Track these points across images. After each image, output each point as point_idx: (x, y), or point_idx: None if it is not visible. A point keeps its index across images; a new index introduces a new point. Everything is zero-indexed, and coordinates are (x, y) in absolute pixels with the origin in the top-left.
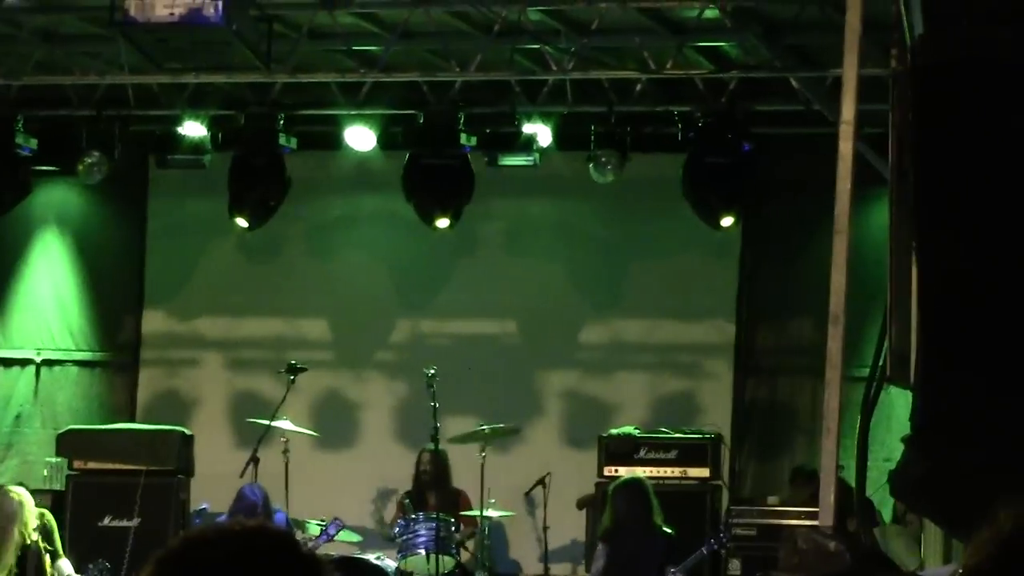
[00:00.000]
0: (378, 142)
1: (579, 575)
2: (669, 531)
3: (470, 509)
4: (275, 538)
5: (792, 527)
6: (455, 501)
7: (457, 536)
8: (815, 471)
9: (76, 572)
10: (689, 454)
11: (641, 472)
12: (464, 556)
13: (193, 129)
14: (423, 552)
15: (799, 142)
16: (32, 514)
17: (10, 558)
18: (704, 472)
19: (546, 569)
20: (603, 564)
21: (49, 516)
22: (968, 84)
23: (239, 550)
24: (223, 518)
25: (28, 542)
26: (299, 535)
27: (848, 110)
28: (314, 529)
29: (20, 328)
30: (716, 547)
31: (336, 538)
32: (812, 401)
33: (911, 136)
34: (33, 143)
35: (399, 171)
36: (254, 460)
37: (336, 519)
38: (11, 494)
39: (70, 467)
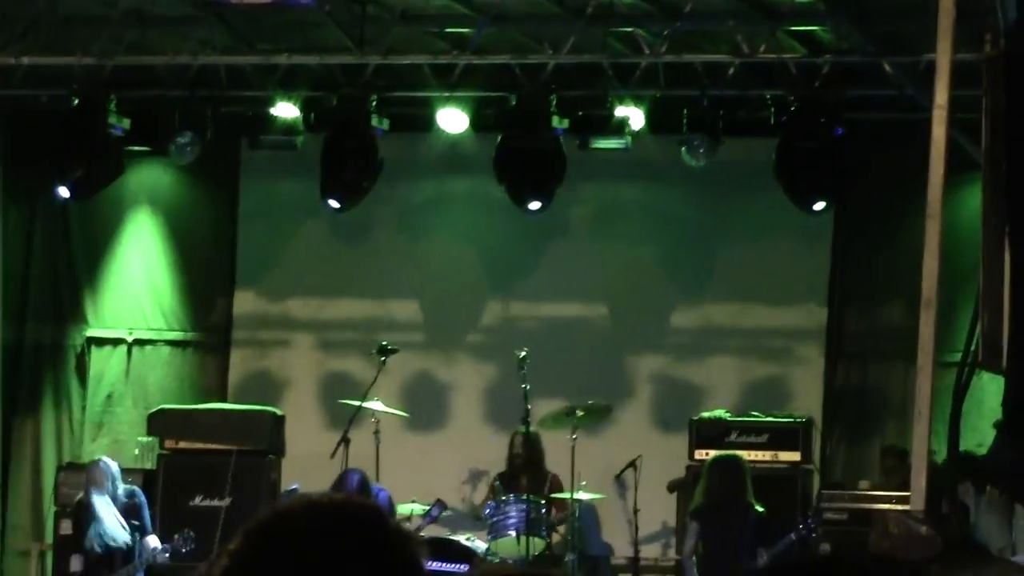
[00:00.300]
0: (470, 124)
1: (669, 558)
2: (761, 510)
3: (561, 492)
4: (363, 511)
5: (883, 512)
6: (547, 484)
7: (548, 518)
8: (905, 451)
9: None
10: (780, 438)
11: None
12: (555, 539)
13: (285, 110)
14: (513, 534)
15: (892, 127)
16: (120, 487)
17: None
18: (795, 456)
19: (636, 552)
20: (694, 542)
21: (139, 493)
22: None
23: (328, 523)
24: None
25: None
26: (402, 517)
27: (941, 95)
28: (417, 511)
29: (112, 308)
30: (805, 533)
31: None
32: (903, 386)
33: (1004, 122)
34: (126, 123)
35: (490, 153)
36: (345, 441)
37: (439, 501)
38: (100, 463)
39: (161, 446)
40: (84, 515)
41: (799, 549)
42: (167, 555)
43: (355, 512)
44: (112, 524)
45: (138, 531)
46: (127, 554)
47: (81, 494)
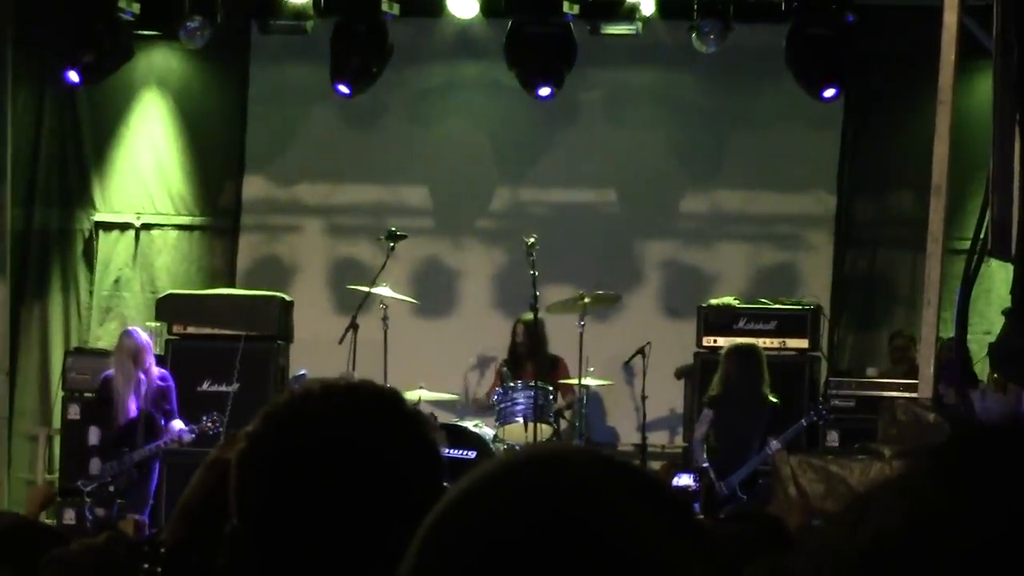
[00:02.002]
0: (480, 9)
1: (676, 444)
2: (775, 401)
3: (568, 377)
4: (381, 392)
5: (891, 399)
6: (553, 368)
7: (555, 404)
8: (913, 337)
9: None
10: (788, 325)
11: (739, 342)
12: (562, 424)
13: None
14: (521, 420)
15: (903, 13)
16: (152, 359)
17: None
18: (803, 343)
19: (644, 438)
20: (706, 429)
21: (170, 378)
22: None
23: (345, 403)
24: None
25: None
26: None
27: None
28: (425, 397)
29: (120, 193)
30: (816, 419)
31: (434, 403)
32: (912, 273)
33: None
34: (135, 7)
35: (501, 38)
36: (353, 327)
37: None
38: (136, 333)
39: (169, 331)
40: (108, 388)
41: (807, 435)
42: (194, 436)
43: (372, 393)
44: (135, 399)
45: (165, 415)
46: (149, 431)
47: (111, 371)
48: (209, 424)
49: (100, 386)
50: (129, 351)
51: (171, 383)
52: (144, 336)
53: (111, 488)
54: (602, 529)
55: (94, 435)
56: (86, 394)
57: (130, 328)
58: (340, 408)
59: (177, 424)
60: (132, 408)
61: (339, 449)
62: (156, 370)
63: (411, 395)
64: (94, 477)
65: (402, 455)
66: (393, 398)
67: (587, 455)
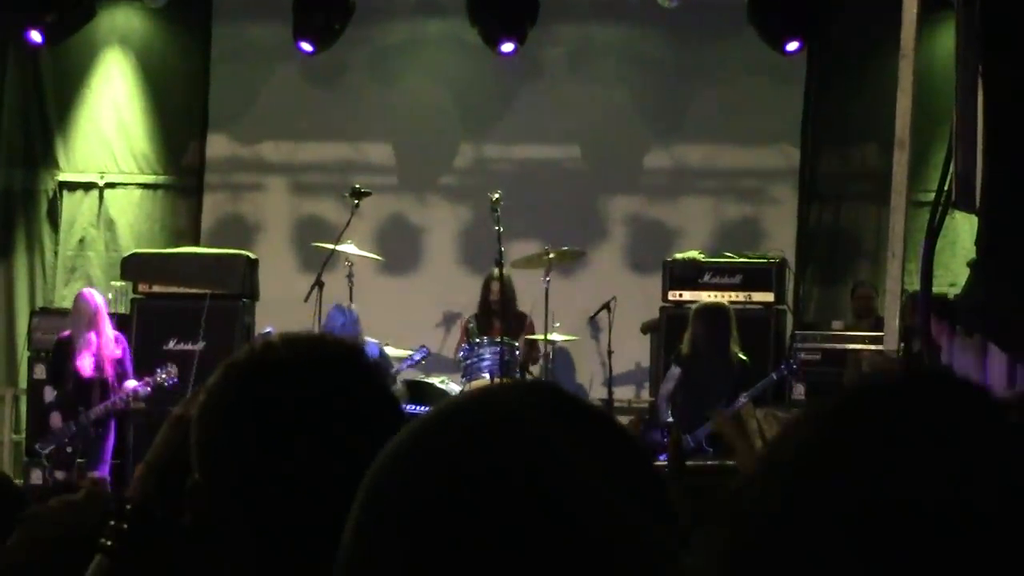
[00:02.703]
0: None
1: (643, 399)
2: (744, 359)
3: (534, 333)
4: (342, 346)
5: (857, 351)
6: (520, 325)
7: (521, 360)
8: (876, 288)
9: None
10: (753, 279)
11: (706, 297)
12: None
13: None
14: (487, 376)
15: None
16: (107, 321)
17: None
18: (768, 297)
19: (610, 393)
20: (673, 386)
21: (122, 339)
22: None
23: (307, 356)
24: None
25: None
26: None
27: None
28: (394, 355)
29: (83, 152)
30: (786, 372)
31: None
32: (877, 226)
33: None
34: None
35: None
36: (319, 284)
37: (423, 347)
38: (88, 295)
39: (134, 291)
40: (63, 349)
41: (774, 389)
42: (148, 389)
43: (334, 346)
44: (89, 359)
45: (119, 376)
46: (103, 391)
47: (67, 331)
48: (163, 376)
49: (55, 346)
50: (82, 313)
51: (125, 344)
52: (98, 298)
53: (69, 449)
54: (541, 480)
55: (49, 394)
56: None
57: (83, 290)
58: (301, 358)
59: (131, 383)
60: (87, 368)
61: (301, 399)
62: (111, 332)
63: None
64: (52, 438)
65: (364, 405)
66: (353, 349)
67: (534, 397)
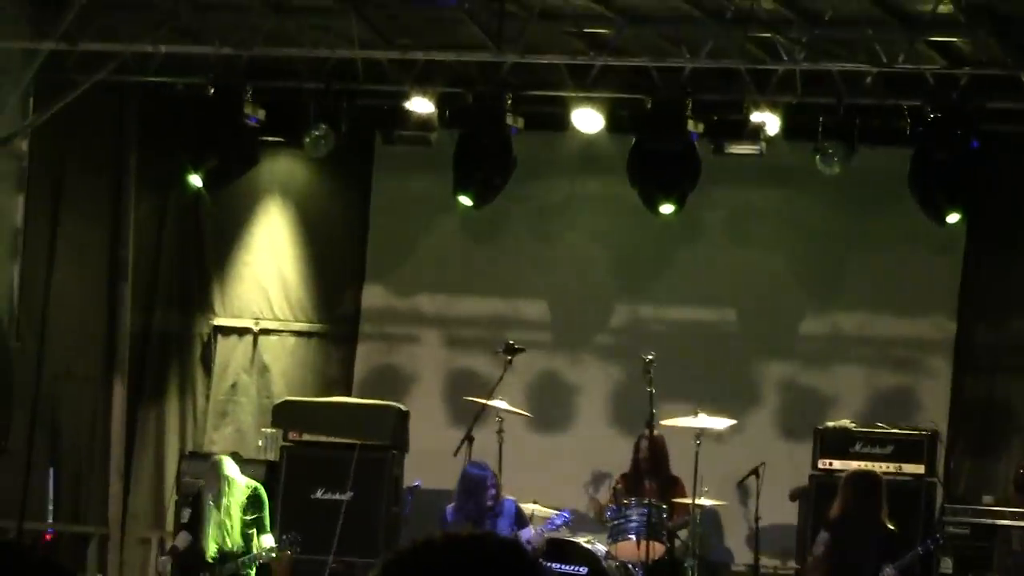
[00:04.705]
0: (605, 125)
1: (790, 567)
2: (893, 528)
3: (684, 497)
4: (503, 546)
5: (1007, 528)
6: (672, 487)
7: (669, 523)
8: None
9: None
10: (905, 450)
11: (857, 466)
12: (676, 544)
13: (420, 106)
14: (634, 537)
15: None
16: (238, 490)
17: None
18: (919, 469)
19: (756, 559)
20: (823, 551)
21: (260, 490)
22: None
23: (467, 556)
24: (450, 508)
25: (228, 520)
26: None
27: None
28: (539, 512)
29: (240, 297)
30: (932, 546)
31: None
32: None
33: None
34: (261, 114)
35: (624, 155)
36: (469, 439)
37: (566, 510)
38: (220, 469)
39: (285, 438)
40: (197, 506)
41: (922, 564)
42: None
43: (494, 546)
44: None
45: (256, 528)
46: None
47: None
48: (287, 543)
49: (194, 499)
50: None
51: (263, 497)
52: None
53: None
54: None
55: (182, 540)
56: None
57: (222, 458)
58: (458, 560)
59: (267, 542)
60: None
61: None
62: (247, 485)
63: (525, 508)
64: None
65: None
66: (515, 551)
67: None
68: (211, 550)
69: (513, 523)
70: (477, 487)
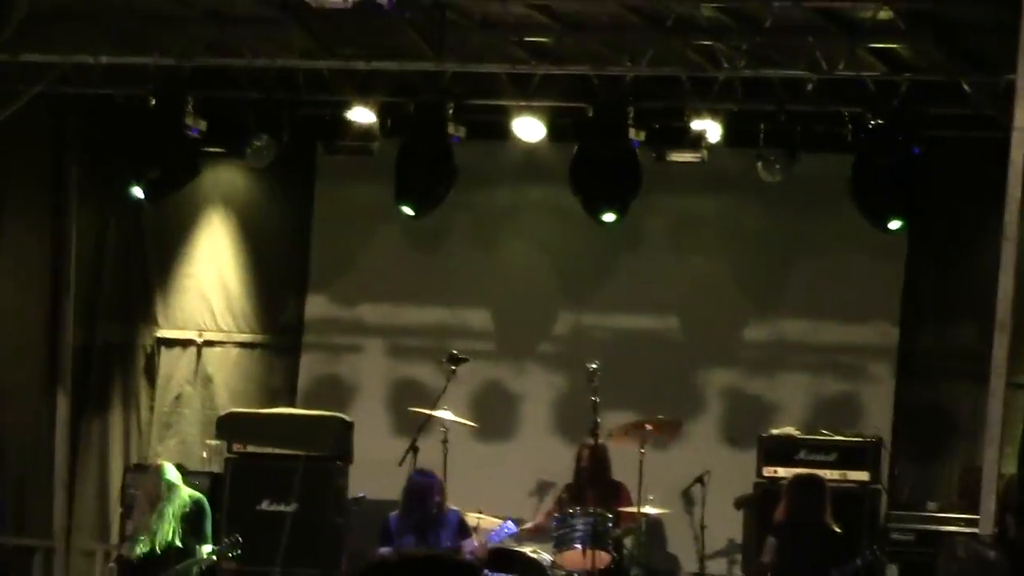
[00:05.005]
0: (546, 133)
1: (735, 575)
2: (838, 530)
3: (629, 504)
4: (457, 568)
5: (951, 534)
6: (615, 494)
7: (614, 532)
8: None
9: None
10: (849, 457)
11: None
12: (623, 552)
13: (362, 115)
14: (580, 547)
15: (969, 146)
16: (177, 496)
17: (152, 525)
18: (864, 476)
19: (702, 567)
20: (771, 558)
21: (203, 502)
22: None
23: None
24: (393, 516)
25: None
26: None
27: (1021, 116)
28: (484, 522)
29: (183, 308)
30: (871, 559)
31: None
32: (974, 406)
33: None
34: (202, 124)
35: (567, 163)
36: (414, 449)
37: (508, 521)
38: (161, 475)
39: (229, 450)
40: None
41: (866, 569)
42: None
43: (448, 568)
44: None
45: (196, 537)
46: (178, 556)
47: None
48: (226, 545)
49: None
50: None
51: (205, 507)
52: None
53: None
54: None
55: (128, 548)
56: None
57: (163, 463)
58: None
59: (205, 550)
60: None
61: None
62: (189, 496)
63: (470, 519)
64: None
65: None
66: (468, 571)
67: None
68: (138, 549)
69: (456, 533)
70: (423, 494)
